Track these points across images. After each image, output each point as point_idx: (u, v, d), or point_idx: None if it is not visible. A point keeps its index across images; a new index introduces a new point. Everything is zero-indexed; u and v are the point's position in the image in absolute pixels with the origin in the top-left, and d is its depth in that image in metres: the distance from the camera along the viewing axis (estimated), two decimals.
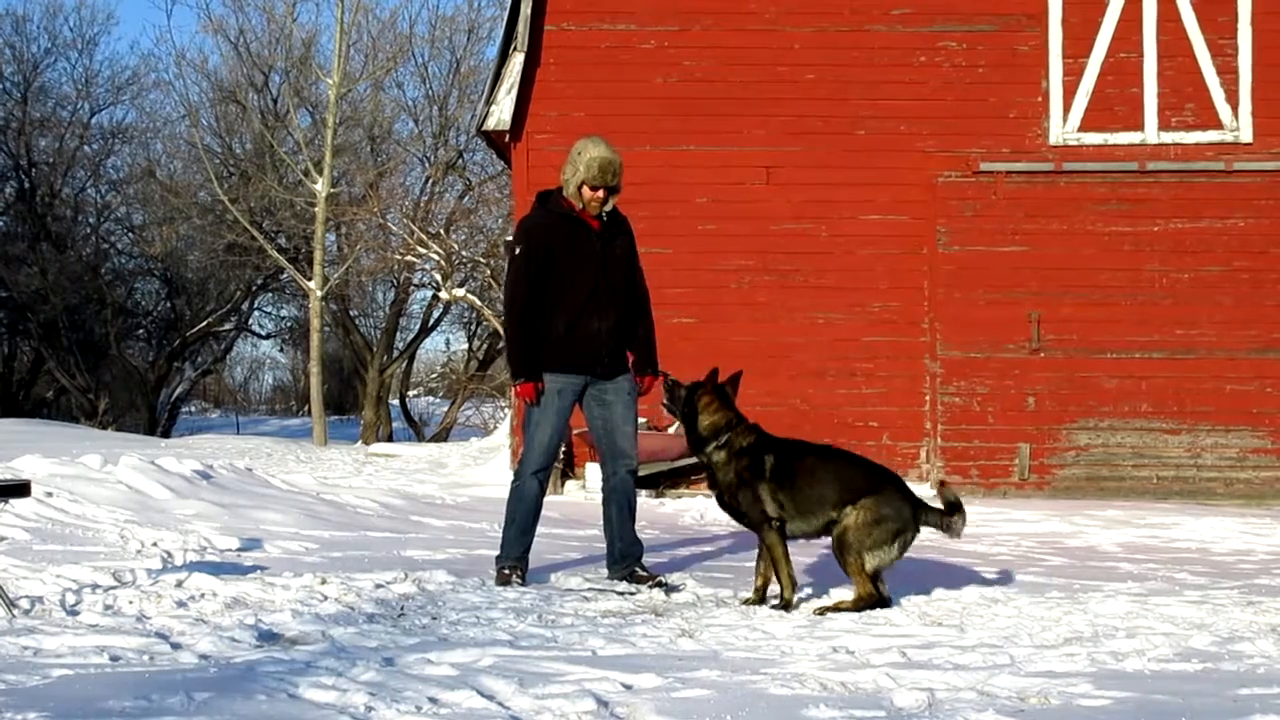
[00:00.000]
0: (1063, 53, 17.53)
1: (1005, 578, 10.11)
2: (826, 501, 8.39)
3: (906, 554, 8.47)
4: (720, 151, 17.61)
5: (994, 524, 14.36)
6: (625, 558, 9.40)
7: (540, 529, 9.60)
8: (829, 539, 8.51)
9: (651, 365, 9.58)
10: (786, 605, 8.29)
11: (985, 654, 6.68)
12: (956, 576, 9.93)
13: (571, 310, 9.24)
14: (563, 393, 9.31)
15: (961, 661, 6.48)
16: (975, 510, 15.04)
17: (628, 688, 5.82)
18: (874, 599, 8.23)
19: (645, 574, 9.29)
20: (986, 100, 17.60)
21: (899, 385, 17.45)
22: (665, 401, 9.03)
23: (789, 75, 17.66)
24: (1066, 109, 17.50)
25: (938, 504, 8.56)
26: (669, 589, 9.01)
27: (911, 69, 17.64)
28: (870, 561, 8.24)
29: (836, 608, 8.20)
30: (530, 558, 9.40)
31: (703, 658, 6.58)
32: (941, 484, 8.92)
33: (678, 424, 16.44)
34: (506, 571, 9.21)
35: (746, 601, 8.51)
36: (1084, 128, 17.49)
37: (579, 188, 9.20)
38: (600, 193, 9.20)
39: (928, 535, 12.98)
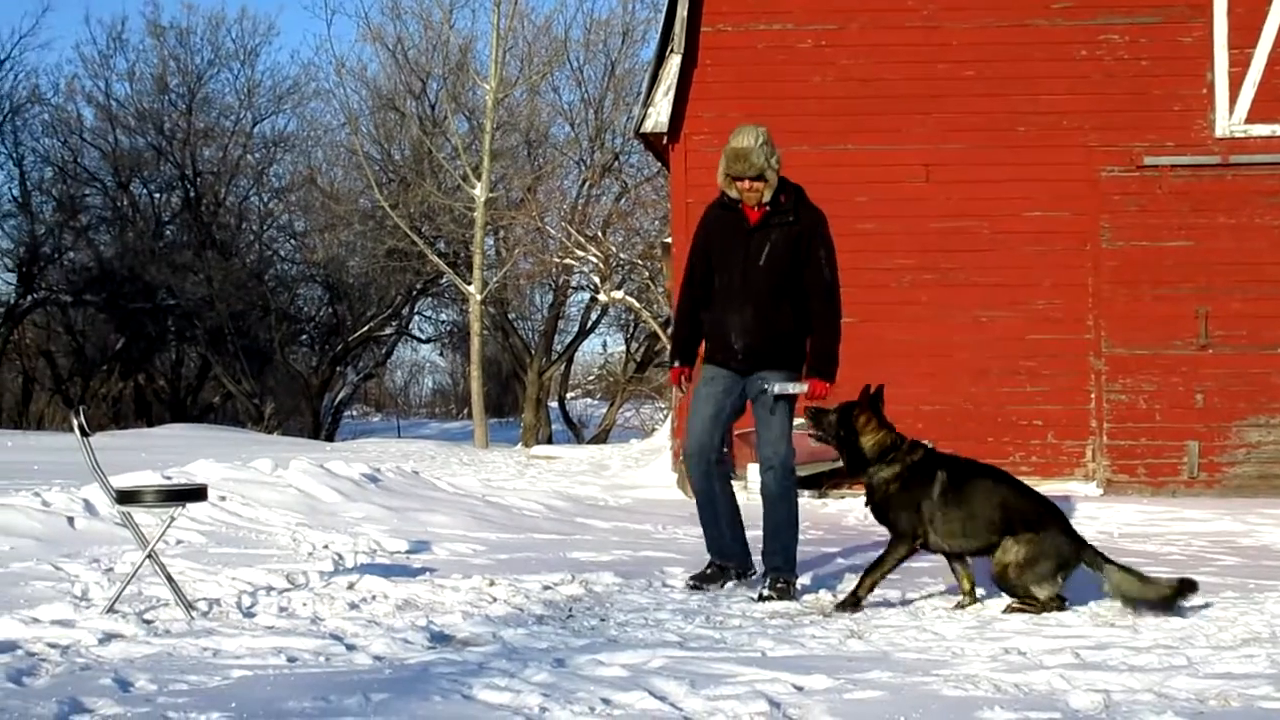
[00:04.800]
0: (1228, 43, 17.20)
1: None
2: (992, 526, 8.28)
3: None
4: (879, 150, 17.50)
5: (1163, 523, 14.14)
6: (765, 564, 9.06)
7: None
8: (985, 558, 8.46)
9: (819, 369, 8.90)
10: (855, 603, 8.15)
11: (1161, 655, 6.58)
12: None
13: (717, 301, 9.07)
14: (713, 380, 9.06)
15: (1137, 663, 6.40)
16: (1143, 509, 14.91)
17: (799, 689, 5.81)
18: (1053, 603, 8.15)
19: (769, 593, 8.72)
20: (1150, 93, 17.33)
21: (1063, 383, 17.23)
22: (811, 431, 8.72)
23: (948, 72, 17.52)
24: (1233, 100, 17.17)
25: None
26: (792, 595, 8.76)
27: (1073, 63, 17.42)
28: (1041, 594, 8.13)
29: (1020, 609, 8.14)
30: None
31: (873, 659, 6.55)
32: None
33: None
34: (708, 572, 9.13)
35: (960, 605, 8.37)
36: (1251, 119, 17.16)
37: (724, 179, 9.02)
38: (745, 182, 8.88)
39: (1095, 535, 12.82)
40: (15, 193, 44.57)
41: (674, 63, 17.63)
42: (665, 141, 17.91)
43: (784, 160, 9.07)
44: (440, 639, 6.99)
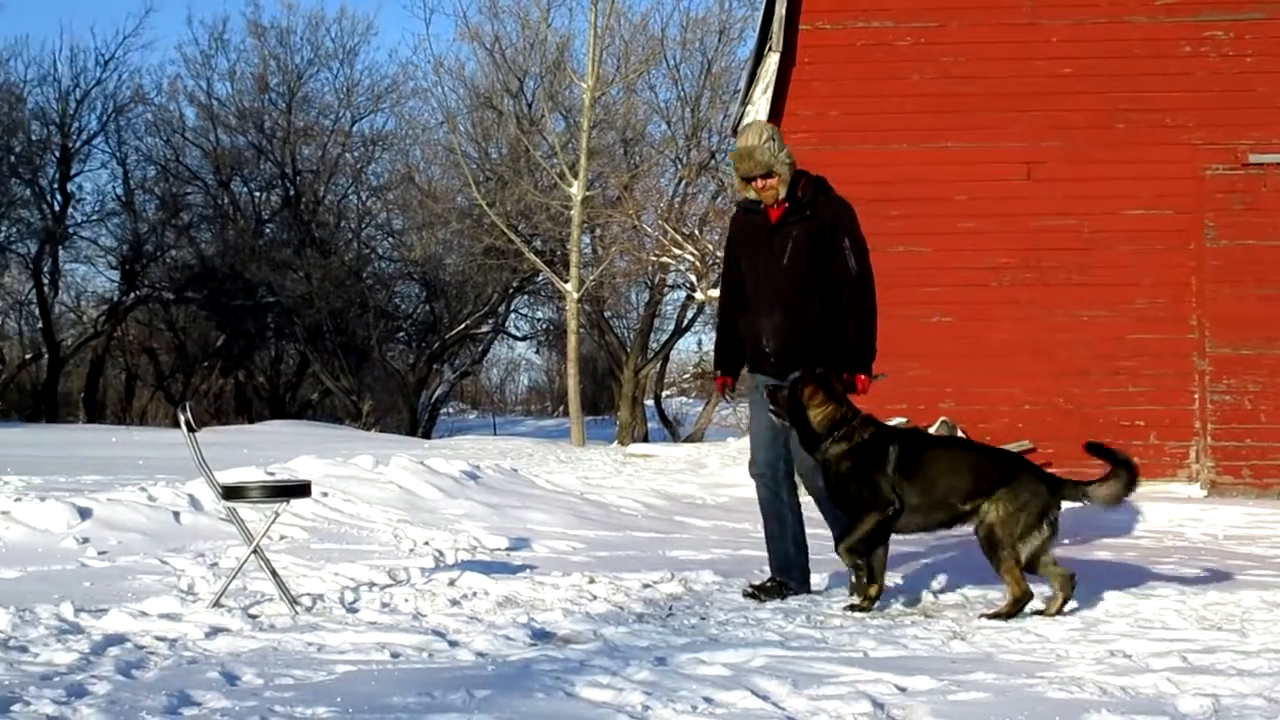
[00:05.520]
0: None
1: None
2: (956, 493, 8.16)
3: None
4: (978, 149, 17.38)
5: (1269, 525, 13.95)
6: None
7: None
8: (951, 530, 8.37)
9: (857, 361, 8.60)
10: (868, 603, 8.09)
11: (1270, 660, 6.49)
12: (1233, 579, 9.67)
13: (749, 306, 8.88)
14: (761, 388, 8.83)
15: (1245, 667, 6.32)
16: (1249, 511, 14.72)
17: (902, 690, 5.80)
18: (1027, 597, 7.97)
19: (856, 606, 8.36)
20: (1255, 90, 17.12)
21: (1166, 383, 17.05)
22: (770, 407, 8.56)
23: (1047, 69, 17.37)
24: None
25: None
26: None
27: (1176, 60, 17.24)
28: (1024, 551, 8.01)
29: (997, 614, 7.92)
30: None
31: (976, 660, 6.52)
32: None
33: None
34: (767, 584, 8.77)
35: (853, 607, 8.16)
36: None
37: (739, 183, 8.84)
38: (757, 181, 8.69)
39: (1200, 538, 12.69)
40: (119, 191, 45.24)
41: (772, 61, 17.59)
42: None
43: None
44: (541, 636, 7.03)
